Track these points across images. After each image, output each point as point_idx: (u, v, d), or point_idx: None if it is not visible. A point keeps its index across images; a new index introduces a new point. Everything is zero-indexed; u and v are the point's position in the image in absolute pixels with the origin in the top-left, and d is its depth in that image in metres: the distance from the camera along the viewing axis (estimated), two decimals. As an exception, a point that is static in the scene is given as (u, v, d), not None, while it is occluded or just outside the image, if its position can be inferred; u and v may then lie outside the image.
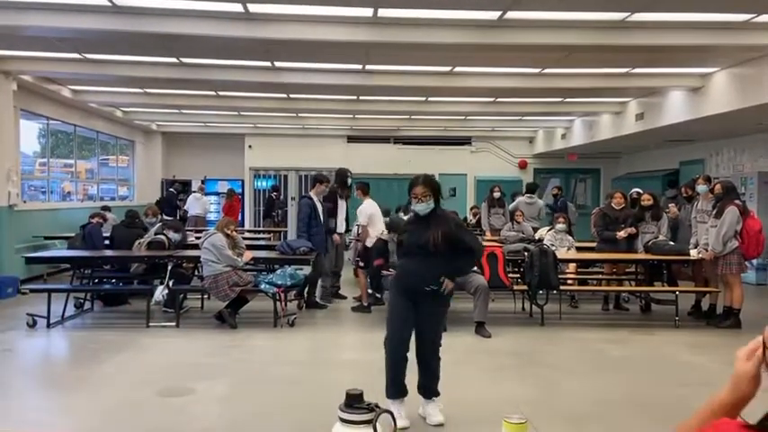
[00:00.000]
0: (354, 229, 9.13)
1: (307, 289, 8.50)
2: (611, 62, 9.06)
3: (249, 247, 8.28)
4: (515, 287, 8.02)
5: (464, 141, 17.93)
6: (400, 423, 3.86)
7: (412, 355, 4.36)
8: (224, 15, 6.99)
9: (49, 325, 7.22)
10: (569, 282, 9.11)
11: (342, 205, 9.09)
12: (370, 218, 8.69)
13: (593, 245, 9.03)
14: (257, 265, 8.65)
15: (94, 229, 9.11)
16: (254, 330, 7.27)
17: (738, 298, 7.42)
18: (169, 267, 7.77)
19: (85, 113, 13.49)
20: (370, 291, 8.49)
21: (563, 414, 4.63)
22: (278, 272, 7.68)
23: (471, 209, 13.84)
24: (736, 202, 7.50)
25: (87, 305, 8.38)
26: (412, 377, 4.40)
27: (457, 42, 7.46)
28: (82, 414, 4.58)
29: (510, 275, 8.10)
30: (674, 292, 8.03)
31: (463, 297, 7.56)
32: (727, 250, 7.31)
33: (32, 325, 7.22)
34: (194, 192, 15.50)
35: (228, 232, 7.58)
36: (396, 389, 4.26)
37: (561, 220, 9.13)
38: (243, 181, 17.76)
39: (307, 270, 8.45)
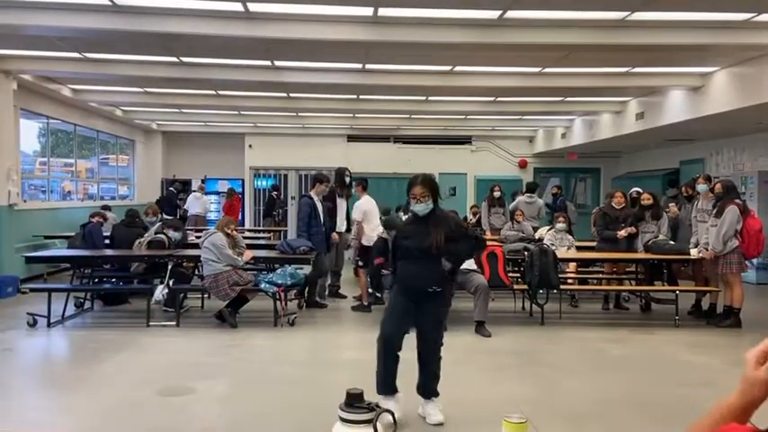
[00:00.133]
0: (354, 227, 9.13)
1: (307, 288, 8.50)
2: (612, 61, 9.06)
3: (249, 247, 8.28)
4: (515, 286, 8.02)
5: (464, 141, 17.92)
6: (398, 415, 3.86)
7: (408, 354, 4.36)
8: (224, 15, 6.99)
9: (49, 324, 7.23)
10: (569, 281, 9.11)
11: (341, 204, 9.09)
12: (365, 214, 8.68)
13: (594, 244, 9.04)
14: (257, 264, 8.65)
15: (95, 229, 9.11)
16: (254, 330, 7.27)
17: (738, 297, 7.42)
18: (169, 267, 7.77)
19: (85, 113, 13.49)
20: (370, 290, 8.49)
21: (563, 413, 4.63)
22: (278, 271, 7.69)
23: (471, 208, 13.84)
24: (737, 201, 7.50)
25: (87, 304, 8.38)
26: (411, 377, 4.40)
27: (457, 42, 7.46)
28: (82, 413, 4.58)
29: (510, 275, 8.10)
30: (674, 291, 8.04)
31: (463, 296, 7.56)
32: (728, 249, 7.31)
33: (33, 324, 7.22)
34: (194, 191, 15.51)
35: (229, 231, 7.58)
36: (387, 386, 4.26)
37: (561, 219, 9.13)
38: (243, 180, 17.76)
39: (307, 269, 8.45)
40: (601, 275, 9.48)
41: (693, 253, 7.81)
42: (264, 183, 17.85)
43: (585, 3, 6.66)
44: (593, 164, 18.06)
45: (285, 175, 17.90)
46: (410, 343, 4.41)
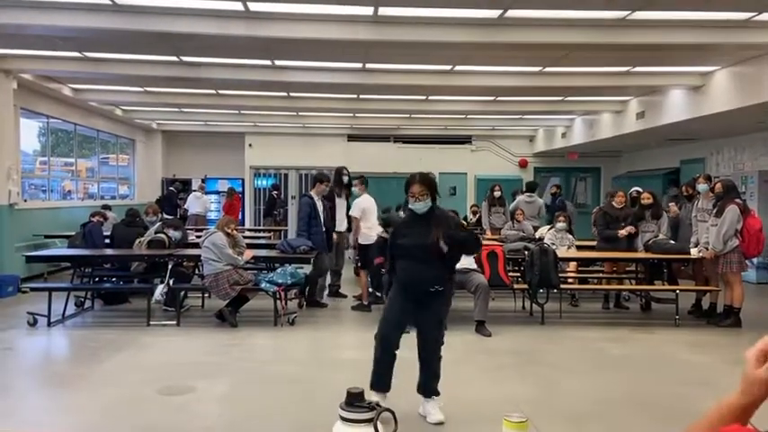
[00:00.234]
0: (353, 225, 9.12)
1: (308, 288, 8.50)
2: (612, 61, 9.06)
3: (249, 246, 8.29)
4: (516, 286, 8.01)
5: (464, 140, 17.92)
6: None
7: (408, 354, 4.36)
8: (224, 14, 6.99)
9: (49, 324, 7.23)
10: (570, 280, 9.11)
11: (341, 204, 9.08)
12: (364, 212, 8.68)
13: (594, 243, 9.04)
14: (258, 263, 8.65)
15: (95, 228, 9.11)
16: (254, 329, 7.27)
17: (739, 297, 7.42)
18: (170, 266, 7.77)
19: (86, 112, 13.50)
20: (370, 289, 8.49)
21: (563, 413, 4.63)
22: (278, 270, 7.69)
23: (471, 208, 13.84)
24: (737, 200, 7.50)
25: (88, 304, 8.39)
26: (411, 376, 4.40)
27: (457, 41, 7.46)
28: (82, 412, 4.58)
29: (510, 274, 8.10)
30: (674, 290, 8.03)
31: (463, 296, 7.56)
32: (728, 249, 7.31)
33: (33, 324, 7.22)
34: (195, 190, 15.51)
35: (229, 231, 7.58)
36: (382, 383, 4.27)
37: (562, 218, 9.13)
38: (243, 180, 17.76)
39: (307, 269, 8.46)
40: (601, 275, 9.48)
41: (694, 252, 7.81)
42: (264, 182, 17.86)
43: (586, 2, 6.66)
44: (594, 163, 18.07)
45: (285, 175, 17.91)
46: (410, 342, 4.41)
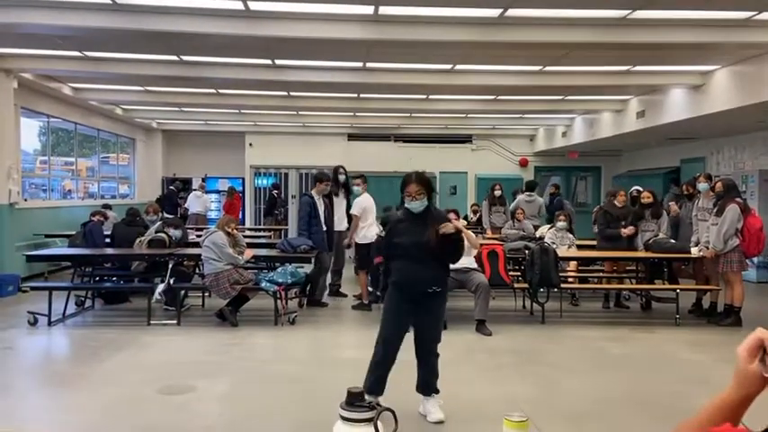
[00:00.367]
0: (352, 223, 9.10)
1: (309, 287, 8.50)
2: (612, 60, 9.06)
3: (250, 246, 8.29)
4: (516, 285, 8.01)
5: (465, 139, 17.92)
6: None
7: (406, 354, 4.36)
8: (224, 13, 6.99)
9: (50, 323, 7.23)
10: (570, 280, 9.11)
11: (339, 203, 9.06)
12: (364, 210, 8.68)
13: (594, 243, 9.03)
14: (258, 263, 8.64)
15: (95, 227, 9.11)
16: (254, 328, 7.27)
17: (739, 296, 7.42)
18: (170, 265, 7.77)
19: (86, 111, 13.50)
20: (370, 289, 8.48)
21: (564, 412, 4.63)
22: (279, 270, 7.69)
23: (472, 207, 13.84)
24: (737, 200, 7.50)
25: (88, 303, 8.39)
26: (411, 375, 4.40)
27: (458, 40, 7.45)
28: (83, 412, 4.59)
29: (511, 273, 8.10)
30: (674, 290, 8.03)
31: (464, 295, 7.56)
32: (728, 248, 7.31)
33: (33, 323, 7.23)
34: (195, 190, 15.51)
35: (229, 230, 7.58)
36: (379, 386, 4.25)
37: (562, 218, 9.13)
38: (243, 179, 17.77)
39: (308, 268, 8.45)
40: (601, 274, 9.48)
41: (694, 252, 7.81)
42: (265, 181, 17.86)
43: (586, 1, 6.66)
44: (594, 162, 18.06)
45: (286, 174, 17.92)
46: (408, 341, 4.40)
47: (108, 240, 9.13)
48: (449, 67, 9.60)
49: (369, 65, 9.54)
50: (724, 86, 9.04)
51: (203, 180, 16.58)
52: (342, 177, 9.21)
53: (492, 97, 12.37)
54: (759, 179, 11.21)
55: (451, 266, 6.95)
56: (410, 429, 4.13)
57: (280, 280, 7.43)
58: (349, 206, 9.17)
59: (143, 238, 8.40)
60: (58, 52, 9.12)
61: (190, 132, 17.77)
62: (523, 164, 18.15)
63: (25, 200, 11.13)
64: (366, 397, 4.08)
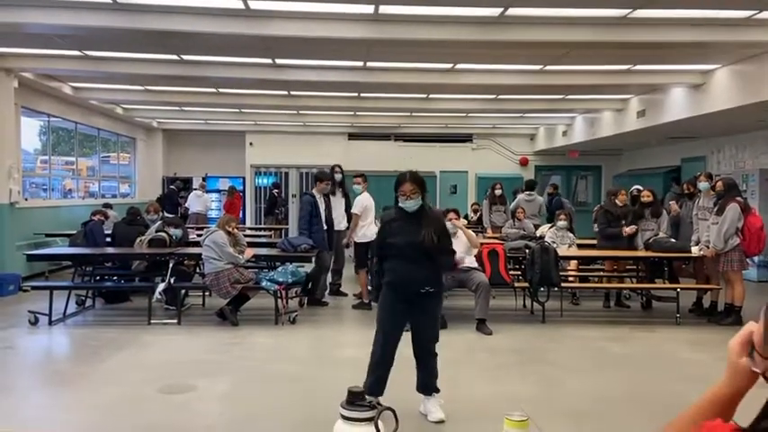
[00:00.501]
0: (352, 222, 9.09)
1: (310, 286, 8.50)
2: (613, 59, 9.06)
3: (250, 245, 8.30)
4: (516, 284, 8.02)
5: (465, 138, 17.92)
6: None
7: (407, 352, 4.36)
8: (224, 12, 6.99)
9: (50, 322, 7.23)
10: (570, 279, 9.10)
11: (337, 202, 9.05)
12: (365, 209, 8.68)
13: (594, 242, 9.03)
14: (258, 262, 8.64)
15: (96, 227, 9.11)
16: (255, 327, 7.28)
17: (740, 295, 7.42)
18: (170, 265, 7.77)
19: (86, 111, 13.50)
20: (370, 288, 8.48)
21: (564, 411, 4.63)
22: (279, 269, 7.69)
23: (472, 206, 13.84)
24: (738, 199, 7.49)
25: (89, 302, 8.39)
26: (411, 375, 4.40)
27: (458, 39, 7.45)
28: (83, 411, 4.59)
29: (511, 272, 8.11)
30: (675, 289, 8.03)
31: (464, 294, 7.57)
32: (729, 247, 7.31)
33: (34, 322, 7.23)
34: (195, 189, 15.51)
35: (230, 229, 7.58)
36: (379, 387, 4.24)
37: (563, 217, 9.13)
38: (244, 178, 17.77)
39: (308, 267, 8.45)
40: (602, 273, 9.48)
41: (695, 251, 7.81)
42: (265, 181, 17.86)
43: (586, 0, 6.66)
44: (595, 161, 18.05)
45: (286, 173, 17.92)
46: (407, 340, 4.40)
47: (108, 240, 9.14)
48: (449, 66, 9.60)
49: (369, 64, 9.54)
50: (724, 85, 9.03)
51: (204, 179, 16.58)
52: (338, 176, 9.21)
53: (492, 96, 12.37)
54: (759, 178, 11.20)
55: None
56: (411, 429, 4.13)
57: (280, 279, 7.43)
58: (348, 205, 9.17)
59: (143, 238, 8.40)
60: (58, 52, 9.12)
61: (190, 132, 17.77)
62: (524, 163, 18.14)
63: (26, 199, 11.13)
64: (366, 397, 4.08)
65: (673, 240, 8.22)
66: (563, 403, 4.84)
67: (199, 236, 8.89)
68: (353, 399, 3.09)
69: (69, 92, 11.83)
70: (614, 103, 12.49)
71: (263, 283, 7.43)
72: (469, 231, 7.76)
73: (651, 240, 8.14)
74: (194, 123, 16.94)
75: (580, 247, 9.17)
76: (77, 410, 4.63)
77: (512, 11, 6.77)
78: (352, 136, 17.70)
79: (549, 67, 9.43)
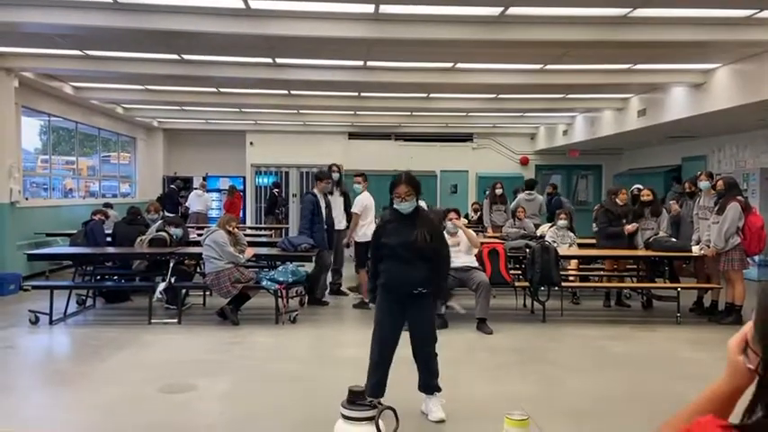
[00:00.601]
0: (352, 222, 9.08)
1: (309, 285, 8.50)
2: (613, 58, 9.05)
3: (251, 244, 8.29)
4: (517, 284, 8.02)
5: (465, 138, 17.92)
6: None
7: (407, 351, 4.36)
8: (225, 12, 6.99)
9: (51, 322, 7.23)
10: (571, 278, 9.10)
11: (336, 201, 9.04)
12: (365, 209, 8.68)
13: (594, 241, 9.03)
14: (259, 261, 8.65)
15: (96, 226, 9.11)
16: (255, 327, 7.28)
17: (740, 294, 7.41)
18: (171, 264, 7.78)
19: (87, 110, 13.50)
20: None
21: (564, 411, 4.63)
22: (279, 269, 7.69)
23: (473, 205, 13.84)
24: (739, 198, 7.49)
25: (89, 302, 8.39)
26: (413, 374, 4.40)
27: (458, 38, 7.45)
28: (84, 411, 4.59)
29: (511, 272, 8.11)
30: (675, 288, 8.03)
31: (465, 293, 7.56)
32: (729, 247, 7.30)
33: (35, 322, 7.23)
34: (196, 189, 15.51)
35: (230, 229, 7.58)
36: (380, 389, 4.23)
37: (563, 216, 9.12)
38: (244, 178, 17.77)
39: (309, 267, 8.45)
40: (602, 272, 9.48)
41: (695, 250, 7.80)
42: (265, 180, 17.86)
43: (587, -1, 6.66)
44: (595, 161, 18.04)
45: (286, 173, 17.91)
46: (406, 341, 4.40)
47: (109, 239, 9.14)
48: (449, 65, 9.60)
49: (369, 63, 9.54)
50: (725, 85, 9.03)
51: (204, 179, 16.58)
52: (336, 176, 9.21)
53: (493, 96, 12.36)
54: (760, 177, 11.19)
55: (452, 265, 6.98)
56: (411, 428, 4.14)
57: (281, 279, 7.44)
58: (347, 204, 9.16)
59: (144, 237, 8.40)
60: (58, 51, 9.12)
61: (191, 131, 17.77)
62: (524, 162, 18.13)
63: (26, 199, 11.14)
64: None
65: (673, 240, 8.22)
66: (563, 402, 4.84)
67: (199, 235, 8.89)
68: (354, 398, 3.09)
69: (70, 91, 11.83)
70: (615, 103, 12.48)
71: (264, 283, 7.43)
72: (470, 231, 7.76)
73: (652, 240, 8.14)
74: (195, 123, 16.94)
75: (580, 246, 9.17)
76: (78, 410, 4.63)
77: (512, 10, 6.76)
78: (352, 135, 17.70)
79: (549, 67, 9.43)
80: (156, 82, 11.51)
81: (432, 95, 12.61)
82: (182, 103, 13.59)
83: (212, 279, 7.26)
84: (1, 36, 8.15)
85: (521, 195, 11.50)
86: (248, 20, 7.09)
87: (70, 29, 7.42)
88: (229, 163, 17.78)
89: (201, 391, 4.98)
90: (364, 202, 8.69)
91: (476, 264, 7.35)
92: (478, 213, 12.44)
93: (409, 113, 15.10)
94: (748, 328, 1.11)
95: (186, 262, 8.66)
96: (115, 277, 8.91)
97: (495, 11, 6.84)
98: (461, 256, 7.23)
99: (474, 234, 7.87)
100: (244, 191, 17.42)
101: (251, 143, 17.71)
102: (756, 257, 9.40)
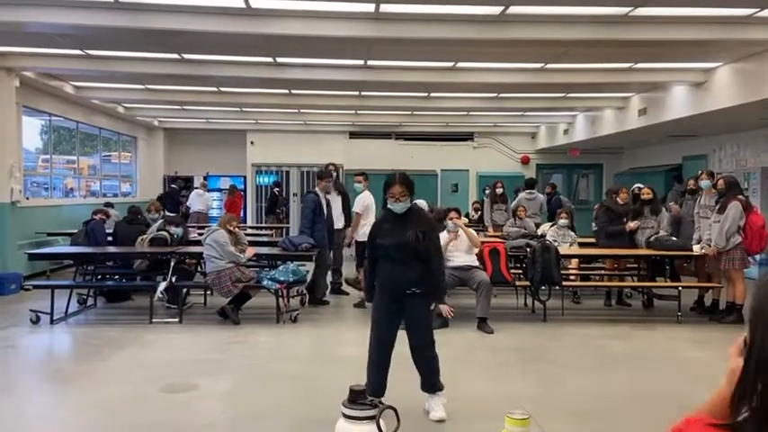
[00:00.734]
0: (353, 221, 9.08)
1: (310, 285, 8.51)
2: (614, 57, 9.05)
3: (251, 244, 8.29)
4: (518, 283, 8.02)
5: (466, 137, 17.91)
6: None
7: (408, 350, 4.36)
8: (225, 11, 6.99)
9: (52, 321, 7.24)
10: (571, 277, 9.10)
11: (334, 201, 9.04)
12: (366, 208, 8.68)
13: (594, 240, 9.03)
14: (260, 261, 8.66)
15: (97, 226, 9.12)
16: (256, 326, 7.28)
17: (741, 293, 7.41)
18: (172, 263, 7.78)
19: (88, 110, 13.50)
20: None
21: (565, 410, 4.63)
22: (280, 268, 7.70)
23: (473, 204, 13.84)
24: (740, 197, 7.49)
25: (90, 301, 8.40)
26: (412, 373, 4.40)
27: (459, 38, 7.45)
28: (85, 410, 4.60)
29: (512, 271, 8.10)
30: (676, 287, 8.02)
31: (465, 293, 7.56)
32: (730, 246, 7.30)
33: (36, 321, 7.24)
34: (196, 188, 15.51)
35: (231, 228, 7.59)
36: (380, 390, 4.22)
37: (564, 215, 9.12)
38: (245, 177, 17.77)
39: (309, 266, 8.45)
40: (603, 272, 9.48)
41: (696, 249, 7.80)
42: (266, 179, 17.86)
43: (588, -2, 6.66)
44: (596, 160, 18.03)
45: (287, 172, 17.91)
46: (406, 340, 4.40)
47: (110, 239, 9.14)
48: (450, 64, 9.60)
49: (370, 63, 9.53)
50: (726, 84, 9.02)
51: (205, 178, 16.58)
52: (333, 175, 9.20)
53: (493, 95, 12.36)
54: (761, 176, 11.19)
55: (453, 264, 6.99)
56: (412, 427, 4.14)
57: (281, 278, 7.44)
58: (345, 203, 9.15)
59: (145, 237, 8.41)
60: (59, 51, 9.12)
61: (191, 130, 17.77)
62: (525, 161, 18.12)
63: (27, 198, 11.15)
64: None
65: (674, 239, 8.21)
66: (564, 402, 4.84)
67: (200, 235, 8.90)
68: (355, 397, 3.09)
69: (71, 91, 11.83)
70: (615, 102, 12.47)
71: (265, 282, 7.43)
72: (470, 230, 7.76)
73: (653, 239, 8.13)
74: (195, 122, 16.94)
75: (581, 245, 9.17)
76: (79, 409, 4.63)
77: (512, 9, 6.76)
78: (353, 135, 17.69)
79: (550, 66, 9.43)
80: (156, 81, 11.51)
81: (432, 95, 12.60)
82: (182, 102, 13.59)
83: (213, 278, 7.26)
84: (2, 36, 8.16)
85: (521, 194, 11.49)
86: (249, 19, 7.09)
87: (71, 28, 7.42)
88: (230, 162, 17.78)
89: (202, 390, 4.98)
90: (365, 201, 8.69)
91: (476, 263, 7.34)
92: (479, 213, 12.43)
93: (410, 113, 15.10)
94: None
95: (187, 261, 8.66)
96: (116, 277, 8.91)
97: (495, 10, 6.83)
98: (462, 255, 7.23)
99: (474, 233, 7.87)
100: (244, 190, 17.42)
101: (251, 142, 17.70)
102: (757, 256, 9.38)
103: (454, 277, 7.05)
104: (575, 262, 9.29)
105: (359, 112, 14.96)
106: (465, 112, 14.97)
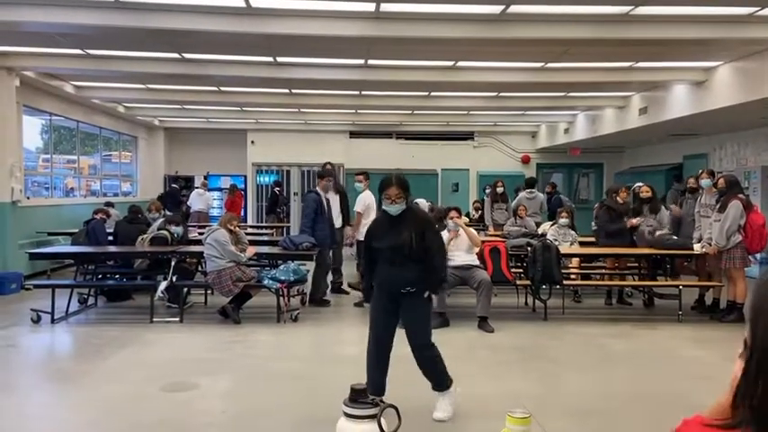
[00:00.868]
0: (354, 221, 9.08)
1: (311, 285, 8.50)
2: (614, 56, 9.04)
3: (252, 243, 8.30)
4: (518, 282, 8.02)
5: (467, 136, 17.90)
6: None
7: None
8: (226, 10, 6.98)
9: (53, 320, 7.25)
10: (572, 276, 9.10)
11: (332, 200, 9.03)
12: (367, 207, 8.68)
13: (594, 239, 9.03)
14: (260, 260, 8.65)
15: (98, 225, 9.13)
16: (257, 326, 7.28)
17: (742, 292, 7.41)
18: (172, 263, 7.78)
19: (88, 109, 13.50)
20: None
21: (566, 409, 4.63)
22: (281, 267, 7.70)
23: (474, 204, 13.84)
24: (740, 196, 7.48)
25: (91, 301, 8.40)
26: (413, 372, 4.41)
27: (459, 37, 7.44)
28: (86, 409, 4.60)
29: (513, 270, 8.10)
30: (677, 286, 8.02)
31: (466, 292, 7.56)
32: (731, 244, 7.30)
33: (36, 321, 7.24)
34: (197, 188, 15.51)
35: (231, 228, 7.59)
36: (380, 390, 4.21)
37: (564, 214, 9.12)
38: (245, 176, 17.77)
39: (310, 266, 8.45)
40: (604, 271, 9.47)
41: (697, 248, 7.80)
42: (267, 179, 17.86)
43: (588, -3, 6.66)
44: (596, 159, 18.02)
45: (287, 172, 17.91)
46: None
47: (110, 238, 9.14)
48: (450, 63, 9.59)
49: (370, 62, 9.53)
50: (726, 83, 9.01)
51: (205, 178, 16.58)
52: (333, 174, 9.20)
53: (494, 94, 12.35)
54: (762, 175, 11.18)
55: (454, 263, 6.99)
56: (413, 426, 4.14)
57: (282, 277, 7.44)
58: (343, 203, 9.14)
59: (145, 236, 8.41)
60: (59, 50, 9.11)
61: (192, 130, 17.77)
62: (525, 161, 18.12)
63: (28, 198, 11.15)
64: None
65: (675, 237, 8.21)
66: (565, 400, 4.85)
67: (200, 234, 8.90)
68: (356, 396, 3.09)
69: (71, 90, 11.83)
70: (616, 101, 12.47)
71: (265, 282, 7.44)
72: (471, 230, 7.76)
73: (650, 236, 8.13)
74: (196, 122, 16.94)
75: (582, 244, 9.17)
76: (80, 408, 4.64)
77: (513, 8, 6.76)
78: (353, 134, 17.69)
79: (550, 65, 9.43)
80: (157, 81, 11.51)
81: (433, 94, 12.60)
82: (183, 101, 13.60)
83: (214, 278, 7.27)
84: (2, 35, 8.16)
85: (522, 194, 11.49)
86: (249, 18, 7.09)
87: (71, 28, 7.42)
88: (230, 162, 17.78)
89: (203, 389, 4.98)
90: (366, 200, 8.69)
91: (477, 262, 7.34)
92: (480, 212, 12.44)
93: (410, 112, 15.09)
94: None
95: (188, 261, 8.66)
96: (117, 276, 8.91)
97: (496, 9, 6.83)
98: (462, 254, 7.24)
99: (475, 233, 7.87)
100: (245, 190, 17.42)
101: (252, 142, 17.70)
102: (758, 255, 9.38)
103: (455, 276, 7.05)
104: (575, 261, 9.29)
105: (359, 111, 14.96)
106: (465, 112, 14.97)
